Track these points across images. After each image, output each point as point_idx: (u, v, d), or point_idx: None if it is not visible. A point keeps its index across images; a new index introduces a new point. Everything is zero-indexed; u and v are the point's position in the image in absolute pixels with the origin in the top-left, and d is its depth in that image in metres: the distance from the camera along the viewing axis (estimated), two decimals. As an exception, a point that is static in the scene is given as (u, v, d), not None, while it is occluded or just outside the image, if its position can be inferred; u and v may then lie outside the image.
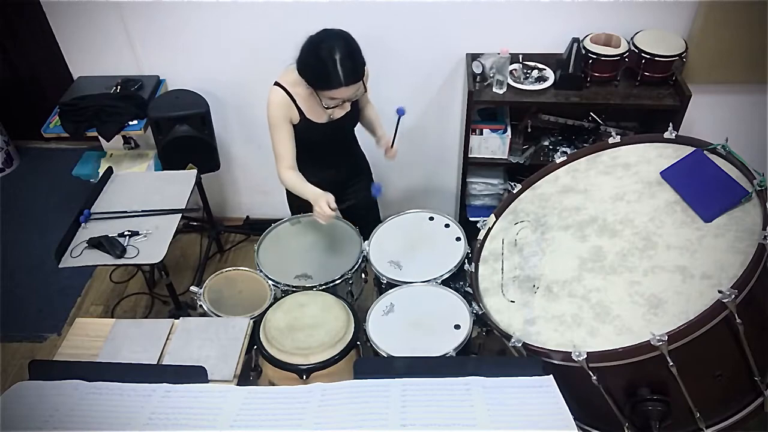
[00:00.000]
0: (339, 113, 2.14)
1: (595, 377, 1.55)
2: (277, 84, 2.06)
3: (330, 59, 1.84)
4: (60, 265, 2.23)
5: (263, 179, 3.32)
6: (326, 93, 1.92)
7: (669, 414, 1.55)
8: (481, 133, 2.67)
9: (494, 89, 2.51)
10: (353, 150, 2.41)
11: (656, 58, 2.40)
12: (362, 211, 2.40)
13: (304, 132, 2.15)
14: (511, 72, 2.54)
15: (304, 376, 1.75)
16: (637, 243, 1.73)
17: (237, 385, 1.71)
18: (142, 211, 2.42)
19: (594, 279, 1.71)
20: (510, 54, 2.50)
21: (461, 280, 2.08)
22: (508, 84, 2.51)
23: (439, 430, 1.27)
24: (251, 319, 1.94)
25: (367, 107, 2.30)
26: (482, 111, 2.74)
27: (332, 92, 1.91)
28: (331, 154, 2.29)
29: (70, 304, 3.08)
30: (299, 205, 2.33)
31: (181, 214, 2.44)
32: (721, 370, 1.57)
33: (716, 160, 1.77)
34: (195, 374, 1.49)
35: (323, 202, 2.05)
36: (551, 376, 1.39)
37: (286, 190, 2.38)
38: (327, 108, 2.00)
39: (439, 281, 2.04)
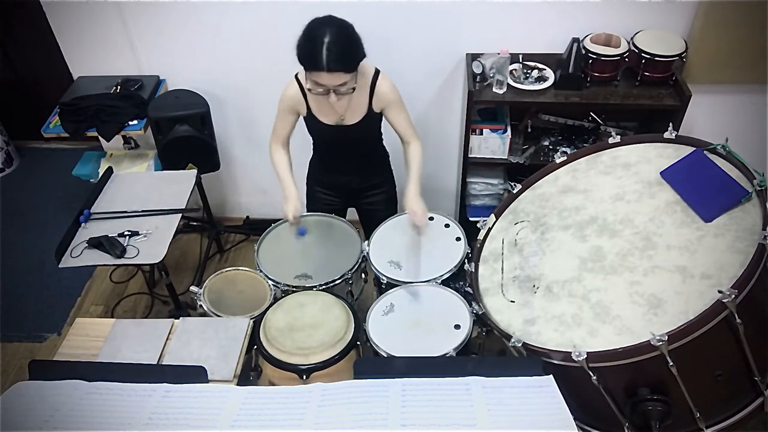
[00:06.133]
0: (349, 119, 2.12)
1: (595, 377, 1.55)
2: (296, 76, 2.10)
3: (319, 40, 1.83)
4: (60, 265, 2.23)
5: (263, 179, 3.32)
6: (311, 75, 1.91)
7: (669, 414, 1.55)
8: (481, 133, 2.67)
9: (494, 89, 2.51)
10: (372, 161, 2.37)
11: (656, 58, 2.40)
12: (379, 221, 2.33)
13: (312, 128, 2.19)
14: (511, 72, 2.54)
15: (304, 376, 1.75)
16: (637, 243, 1.73)
17: (237, 385, 1.71)
18: (142, 211, 2.42)
19: (594, 279, 1.71)
20: (510, 54, 2.50)
21: (461, 280, 2.08)
22: (508, 84, 2.51)
23: (439, 430, 1.27)
24: (251, 319, 1.94)
25: (407, 145, 2.21)
26: (482, 111, 2.74)
27: (315, 75, 1.89)
28: (347, 161, 2.29)
29: (70, 304, 3.09)
30: (315, 199, 2.41)
31: (181, 214, 2.44)
32: (721, 370, 1.57)
33: (716, 160, 1.77)
34: (195, 374, 1.49)
35: (290, 208, 2.16)
36: (551, 376, 1.39)
37: (307, 186, 2.44)
38: (310, 91, 1.96)
39: (439, 281, 2.04)
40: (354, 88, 1.95)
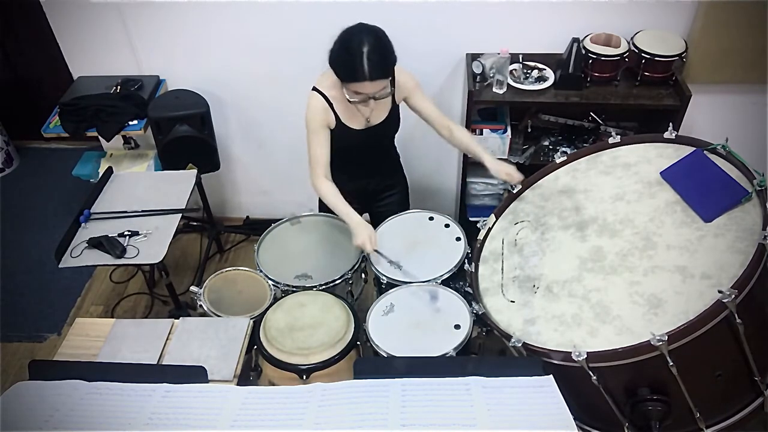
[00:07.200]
0: (376, 119, 2.11)
1: (595, 377, 1.55)
2: (315, 89, 2.05)
3: (358, 51, 1.82)
4: (60, 265, 2.23)
5: (263, 179, 3.32)
6: (351, 86, 1.90)
7: (669, 414, 1.55)
8: (481, 133, 2.67)
9: (494, 89, 2.51)
10: (389, 161, 2.37)
11: (656, 58, 2.40)
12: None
13: (340, 137, 2.13)
14: (511, 72, 2.54)
15: (304, 376, 1.75)
16: (637, 243, 1.73)
17: (237, 385, 1.71)
18: (142, 211, 2.42)
19: (594, 279, 1.71)
20: (510, 54, 2.50)
21: (461, 280, 2.08)
22: (508, 84, 2.51)
23: (439, 430, 1.27)
24: (251, 319, 1.94)
25: (450, 129, 2.19)
26: (482, 111, 2.74)
27: (357, 85, 1.88)
28: (365, 163, 2.27)
29: (70, 304, 3.09)
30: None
31: (181, 214, 2.44)
32: (721, 370, 1.57)
33: (716, 160, 1.77)
34: (195, 374, 1.49)
35: (366, 238, 2.03)
36: (551, 376, 1.39)
37: None
38: (350, 101, 1.95)
39: (439, 281, 2.04)
40: (391, 92, 1.96)
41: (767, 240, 1.47)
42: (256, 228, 3.26)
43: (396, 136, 2.32)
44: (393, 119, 2.17)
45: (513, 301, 1.82)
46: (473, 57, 2.59)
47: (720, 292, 1.41)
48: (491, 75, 2.52)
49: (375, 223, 2.48)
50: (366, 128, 2.12)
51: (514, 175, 2.08)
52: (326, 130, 2.07)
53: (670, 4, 2.46)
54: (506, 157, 2.72)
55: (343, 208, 2.09)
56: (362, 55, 1.82)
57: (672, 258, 1.63)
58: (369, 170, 2.31)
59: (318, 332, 1.84)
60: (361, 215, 2.43)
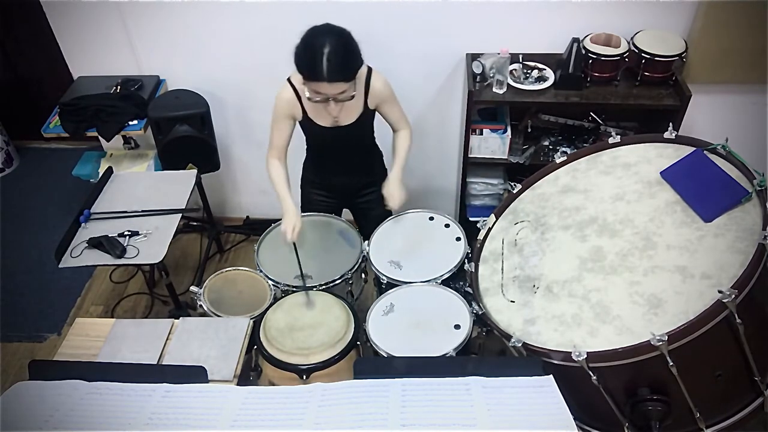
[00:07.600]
0: (345, 120, 2.11)
1: (595, 377, 1.55)
2: (288, 80, 2.08)
3: (318, 51, 1.81)
4: (60, 265, 2.24)
5: (263, 179, 3.29)
6: (310, 85, 1.90)
7: (669, 414, 1.55)
8: (481, 133, 2.67)
9: (494, 89, 2.51)
10: (368, 160, 2.37)
11: (656, 58, 2.40)
12: (374, 219, 2.34)
13: (308, 131, 2.17)
14: (511, 72, 2.54)
15: (304, 376, 1.75)
16: (637, 243, 1.73)
17: (237, 385, 1.71)
18: (142, 211, 2.43)
19: (594, 279, 1.71)
20: (510, 54, 2.50)
21: (461, 280, 2.08)
22: (508, 84, 2.51)
23: (439, 430, 1.27)
24: (251, 319, 1.94)
25: (397, 133, 2.25)
26: (482, 111, 2.74)
27: (315, 85, 1.88)
28: (341, 161, 2.28)
29: (70, 304, 3.09)
30: (309, 201, 2.40)
31: (181, 214, 2.44)
32: (721, 370, 1.57)
33: (716, 160, 1.77)
34: (195, 374, 1.49)
35: (290, 227, 2.05)
36: (551, 376, 1.39)
37: (301, 189, 2.42)
38: (310, 100, 1.96)
39: (439, 281, 2.04)
40: (353, 96, 1.95)
41: (767, 240, 1.47)
42: (256, 228, 3.26)
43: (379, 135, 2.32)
44: (363, 123, 2.16)
45: (513, 301, 1.82)
46: (473, 57, 2.59)
47: (720, 292, 1.41)
48: (491, 75, 2.52)
49: (357, 217, 2.50)
50: (334, 127, 2.12)
51: (394, 202, 2.16)
52: (289, 120, 2.12)
53: (670, 4, 2.46)
54: (506, 157, 2.72)
55: (282, 190, 2.17)
56: (322, 55, 1.81)
57: (672, 258, 1.63)
58: (345, 168, 2.31)
59: (318, 332, 1.84)
60: (341, 212, 2.47)
